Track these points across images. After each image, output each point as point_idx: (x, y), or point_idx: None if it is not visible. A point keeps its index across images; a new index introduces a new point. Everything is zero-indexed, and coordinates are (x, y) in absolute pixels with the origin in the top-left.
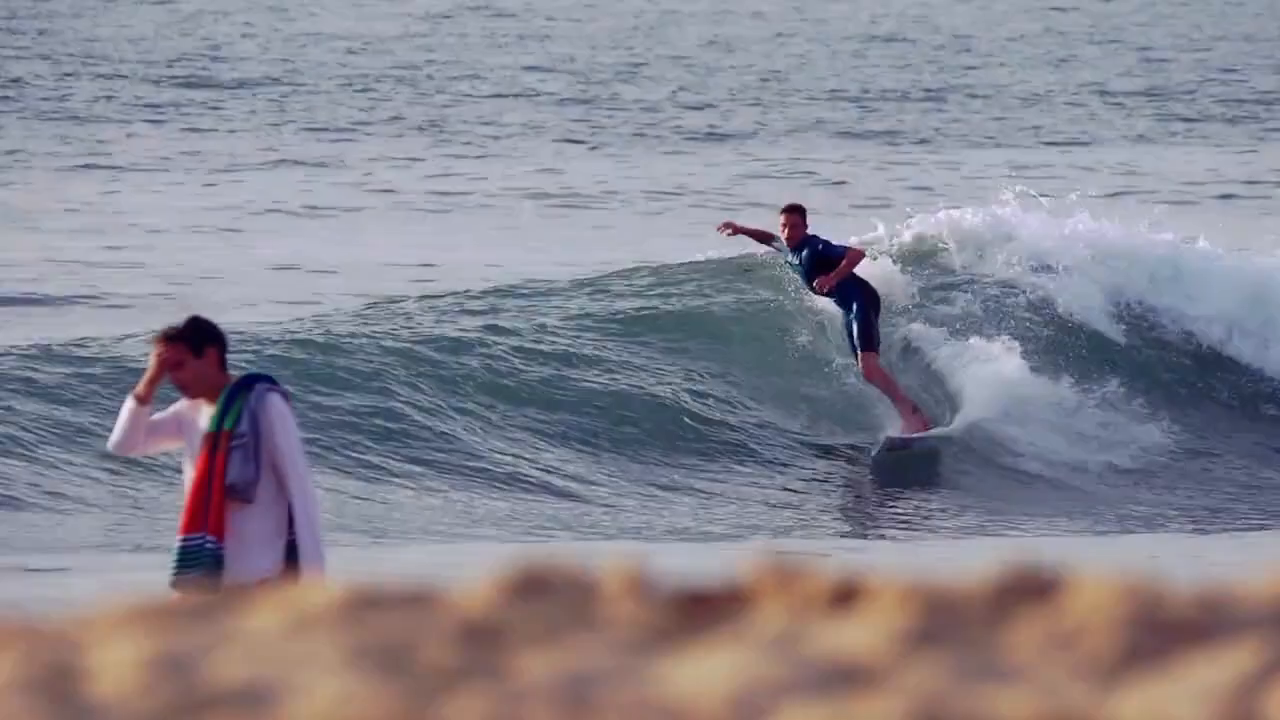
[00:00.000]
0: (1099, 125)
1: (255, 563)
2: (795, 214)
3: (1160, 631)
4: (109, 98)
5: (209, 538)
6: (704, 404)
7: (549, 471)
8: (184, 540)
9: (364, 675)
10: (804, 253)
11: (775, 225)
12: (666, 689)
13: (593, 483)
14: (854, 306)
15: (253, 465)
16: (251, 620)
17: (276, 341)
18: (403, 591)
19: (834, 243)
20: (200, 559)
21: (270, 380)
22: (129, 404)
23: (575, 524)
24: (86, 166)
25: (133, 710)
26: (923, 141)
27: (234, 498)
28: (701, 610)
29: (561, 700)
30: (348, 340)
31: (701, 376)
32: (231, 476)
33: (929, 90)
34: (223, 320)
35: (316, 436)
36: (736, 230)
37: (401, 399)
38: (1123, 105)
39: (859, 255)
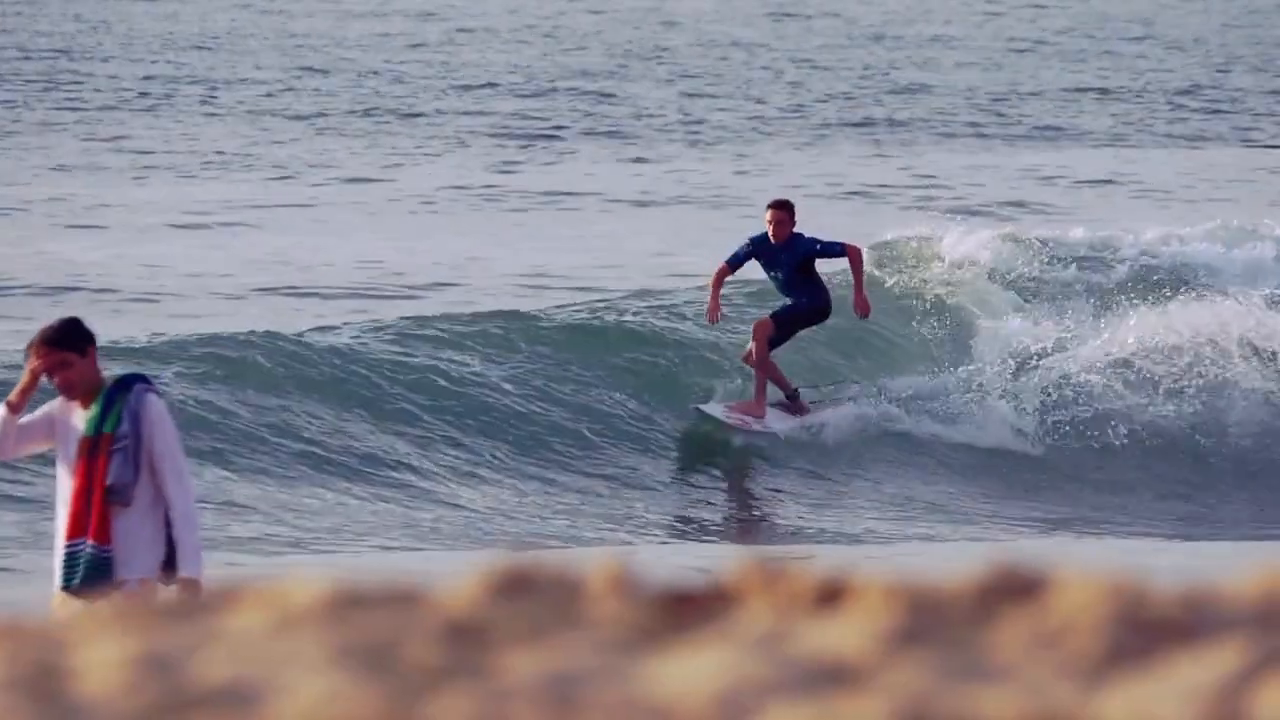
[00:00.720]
0: (1087, 121)
1: (136, 565)
2: (782, 210)
3: (1145, 631)
4: (93, 92)
5: (89, 543)
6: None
7: (533, 474)
8: (69, 547)
9: (349, 674)
10: (793, 251)
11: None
12: (652, 688)
13: (585, 485)
14: (803, 301)
15: (131, 467)
16: (236, 619)
17: (244, 346)
18: (387, 590)
19: (825, 239)
20: (79, 564)
21: (146, 380)
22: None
23: (563, 527)
24: (66, 165)
25: (118, 709)
26: (903, 136)
27: (113, 500)
28: (687, 609)
29: (546, 699)
30: (326, 344)
31: (696, 377)
32: (111, 479)
33: (920, 85)
34: (203, 320)
35: (318, 438)
36: (718, 306)
37: (386, 402)
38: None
39: (859, 253)
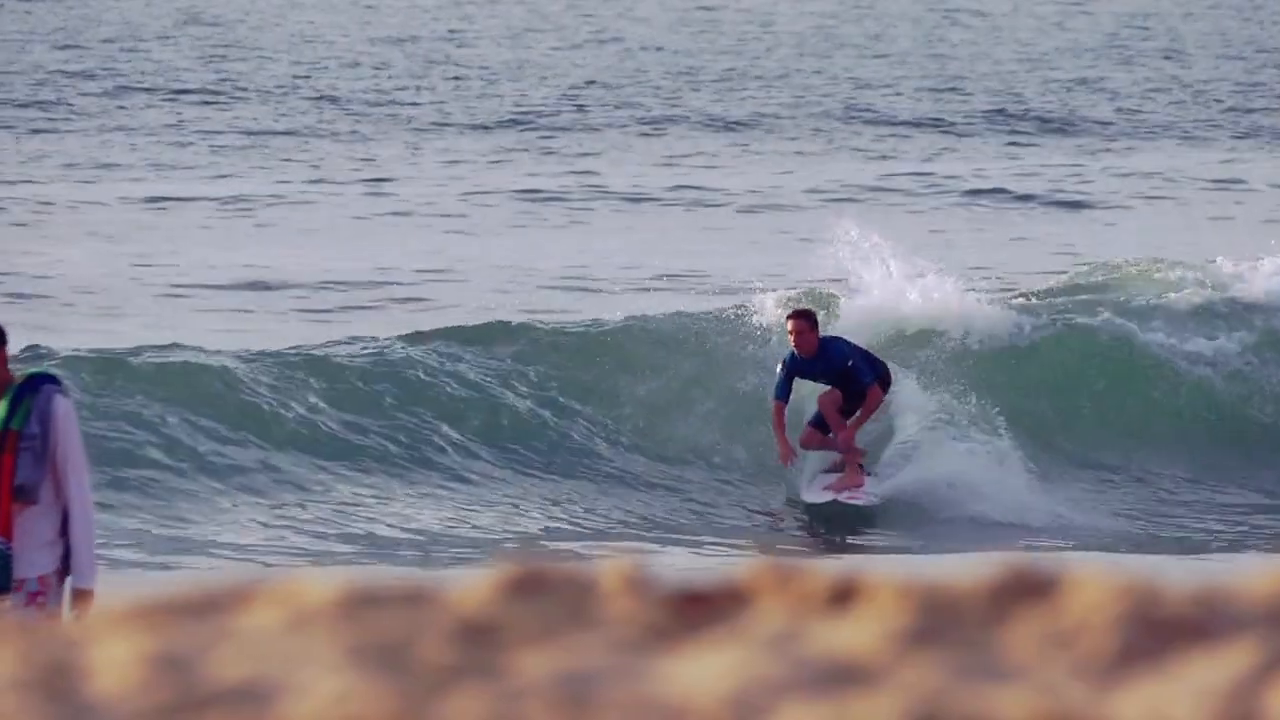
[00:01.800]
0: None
1: (34, 564)
2: (803, 319)
3: (1158, 630)
4: (89, 98)
5: (3, 540)
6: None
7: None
8: None
9: (362, 673)
10: (826, 359)
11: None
12: (664, 688)
13: (589, 491)
14: (866, 380)
15: (40, 467)
16: (249, 618)
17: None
18: (400, 590)
19: (862, 362)
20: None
21: (56, 381)
22: None
23: (574, 529)
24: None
25: (131, 708)
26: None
27: (20, 499)
28: (699, 609)
29: (559, 699)
30: (334, 353)
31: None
32: (21, 478)
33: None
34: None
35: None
36: (789, 448)
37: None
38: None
39: (879, 399)
